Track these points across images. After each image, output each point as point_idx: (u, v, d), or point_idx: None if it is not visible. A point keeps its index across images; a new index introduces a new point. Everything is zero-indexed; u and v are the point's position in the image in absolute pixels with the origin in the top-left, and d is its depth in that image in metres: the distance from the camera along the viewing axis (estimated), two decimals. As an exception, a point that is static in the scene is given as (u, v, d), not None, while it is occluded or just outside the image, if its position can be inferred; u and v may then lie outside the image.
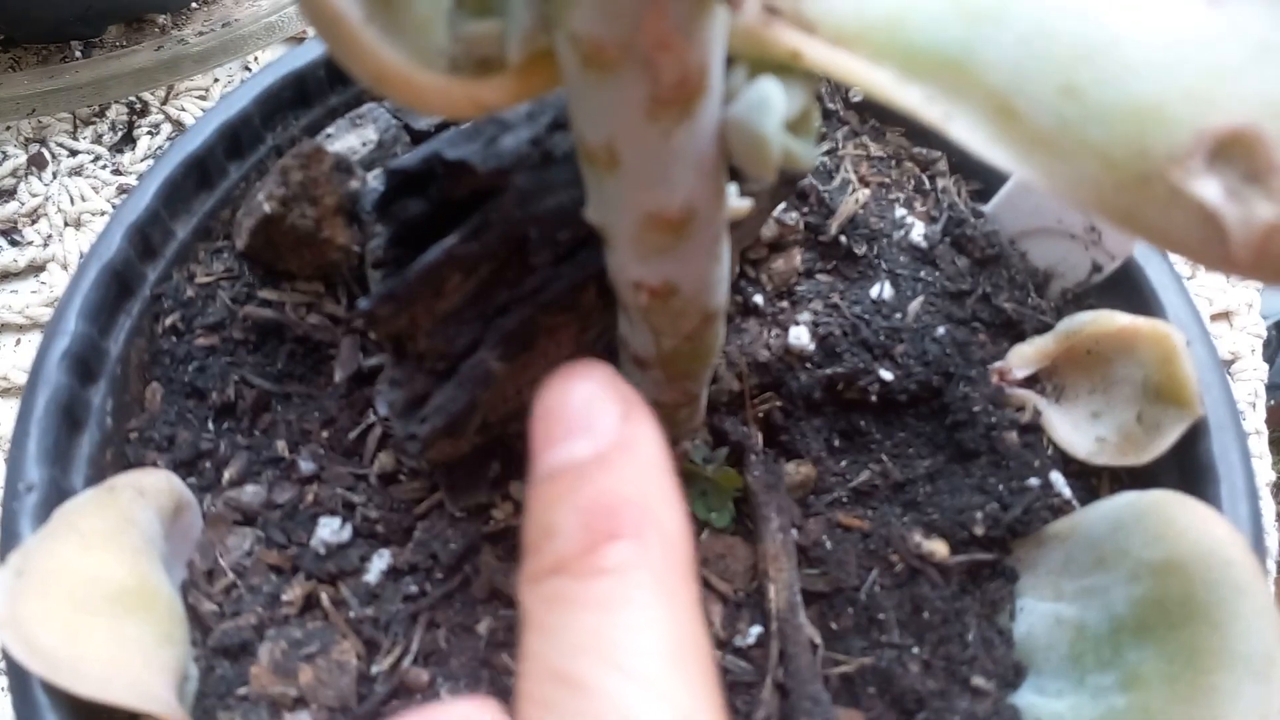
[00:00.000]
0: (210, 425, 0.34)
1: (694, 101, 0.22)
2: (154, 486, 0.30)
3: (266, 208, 0.31)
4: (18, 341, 0.56)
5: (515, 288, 0.29)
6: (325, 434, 0.33)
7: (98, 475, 0.31)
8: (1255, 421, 0.59)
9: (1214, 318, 0.60)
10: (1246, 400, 0.59)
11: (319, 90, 0.37)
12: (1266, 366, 0.61)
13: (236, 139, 0.35)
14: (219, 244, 0.36)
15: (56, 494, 0.29)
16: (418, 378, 0.30)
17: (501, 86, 0.23)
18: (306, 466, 0.33)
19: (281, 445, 0.33)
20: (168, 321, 0.34)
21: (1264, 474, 0.58)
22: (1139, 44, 0.19)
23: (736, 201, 0.29)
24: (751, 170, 0.24)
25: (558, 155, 0.29)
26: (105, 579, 0.27)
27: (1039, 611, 0.33)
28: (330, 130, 0.35)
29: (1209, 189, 0.19)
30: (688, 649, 0.20)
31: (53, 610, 0.26)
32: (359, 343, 0.34)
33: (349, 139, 0.34)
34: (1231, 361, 0.60)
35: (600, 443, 0.22)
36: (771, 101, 0.23)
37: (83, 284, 0.32)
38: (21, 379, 0.53)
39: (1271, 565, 0.57)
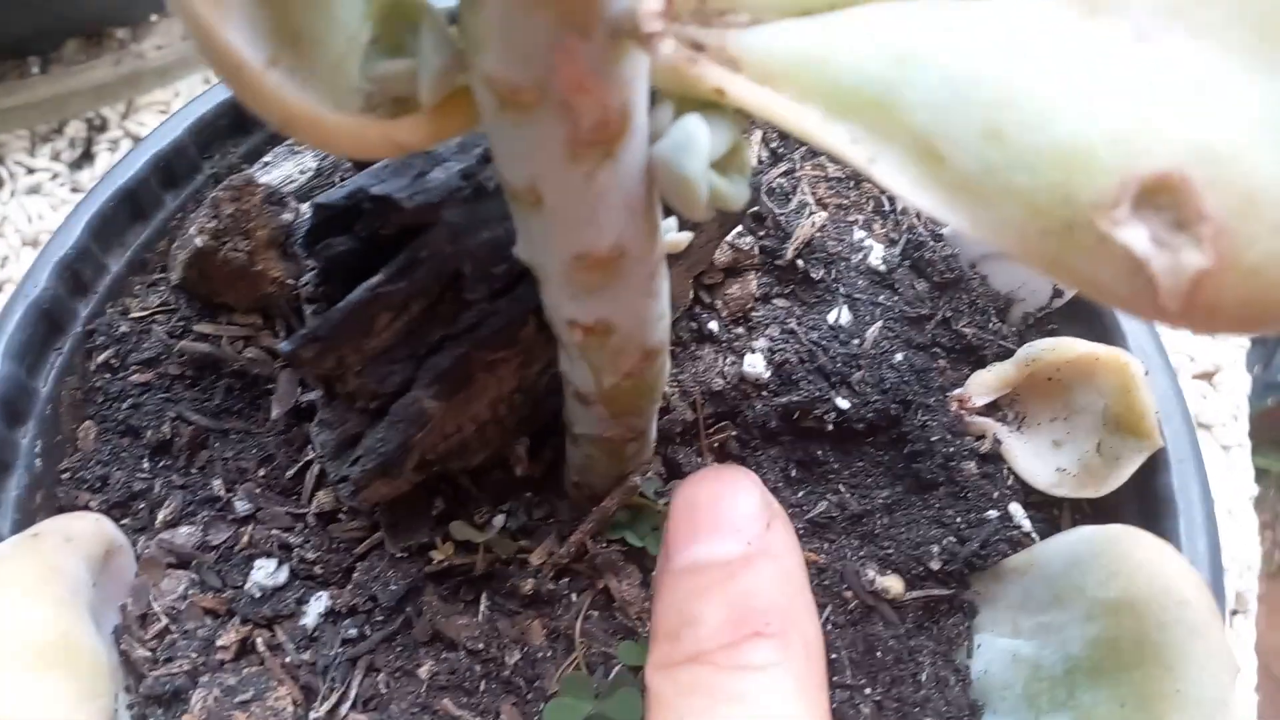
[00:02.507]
0: (145, 464, 0.33)
1: (617, 142, 0.22)
2: (82, 532, 0.29)
3: (198, 241, 0.31)
4: None
5: (450, 325, 0.29)
6: (262, 472, 0.33)
7: (26, 519, 0.30)
8: (1237, 434, 0.58)
9: (1194, 328, 0.59)
10: (1228, 413, 0.58)
11: (257, 117, 0.36)
12: (1249, 377, 0.60)
13: (171, 169, 0.34)
14: (155, 276, 0.35)
15: (-22, 542, 0.28)
16: (349, 418, 0.29)
17: (418, 126, 0.22)
18: (242, 506, 0.32)
19: (218, 484, 0.32)
20: (101, 358, 0.33)
21: (1245, 488, 0.57)
22: (1064, 85, 0.19)
23: (674, 235, 0.29)
24: (680, 210, 0.23)
25: (491, 188, 0.28)
26: (23, 633, 0.26)
27: (997, 648, 0.32)
28: (268, 158, 0.34)
29: (1136, 237, 0.18)
30: None
31: (-35, 667, 0.25)
32: (297, 377, 0.33)
33: (286, 167, 0.33)
34: (1213, 373, 0.59)
35: (748, 545, 0.23)
36: (696, 141, 0.22)
37: (7, 324, 0.31)
38: None
39: (1254, 581, 0.56)
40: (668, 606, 0.23)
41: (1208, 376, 0.58)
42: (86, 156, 0.59)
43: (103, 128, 0.60)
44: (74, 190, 0.58)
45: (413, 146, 0.23)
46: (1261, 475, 0.60)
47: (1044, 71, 0.19)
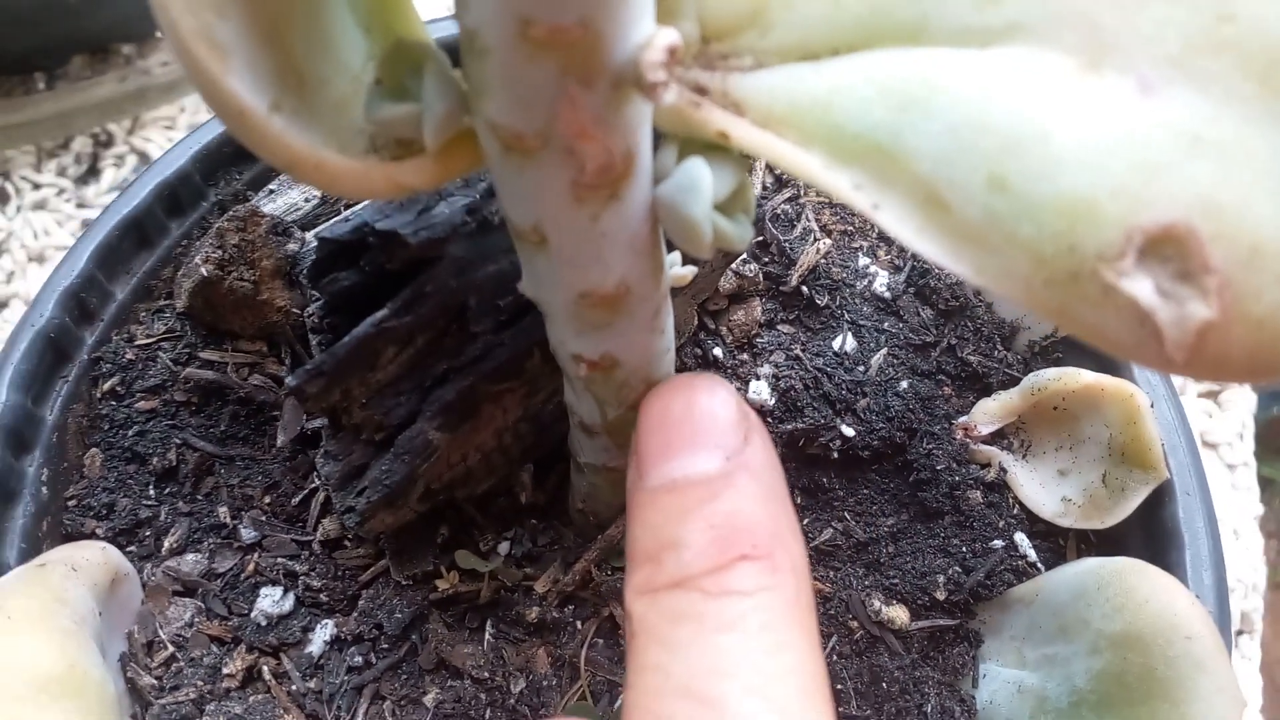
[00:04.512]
0: (151, 491, 0.33)
1: (621, 185, 0.22)
2: (88, 561, 0.29)
3: (204, 271, 0.31)
4: None
5: (455, 357, 0.29)
6: (268, 499, 0.33)
7: (33, 548, 0.30)
8: (1243, 453, 0.58)
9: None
10: (1234, 431, 0.58)
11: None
12: (1255, 397, 0.60)
13: (176, 197, 0.35)
14: (160, 303, 0.35)
15: (-14, 572, 0.29)
16: (355, 449, 0.29)
17: (422, 169, 0.22)
18: (248, 534, 0.32)
19: (224, 511, 0.32)
20: (107, 385, 0.33)
21: (1251, 508, 0.57)
22: (1068, 136, 0.18)
23: (679, 270, 0.29)
24: (685, 249, 0.23)
25: (495, 222, 0.28)
26: (31, 665, 0.26)
27: (1002, 678, 0.32)
28: (272, 186, 0.34)
29: (1141, 288, 0.18)
30: (818, 680, 0.20)
31: (-27, 700, 0.25)
32: (297, 402, 0.33)
33: (291, 195, 0.33)
34: (1219, 392, 0.59)
35: (727, 460, 0.22)
36: (700, 184, 0.22)
37: (13, 354, 0.31)
38: None
39: (1259, 601, 0.56)
40: (645, 527, 0.22)
41: (1213, 395, 0.58)
42: (92, 172, 0.60)
43: (109, 143, 0.60)
44: (80, 206, 0.59)
45: (417, 188, 0.23)
46: (1268, 485, 0.59)
47: (1048, 123, 0.19)
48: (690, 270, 0.28)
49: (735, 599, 0.20)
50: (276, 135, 0.20)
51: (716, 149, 0.22)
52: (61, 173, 0.60)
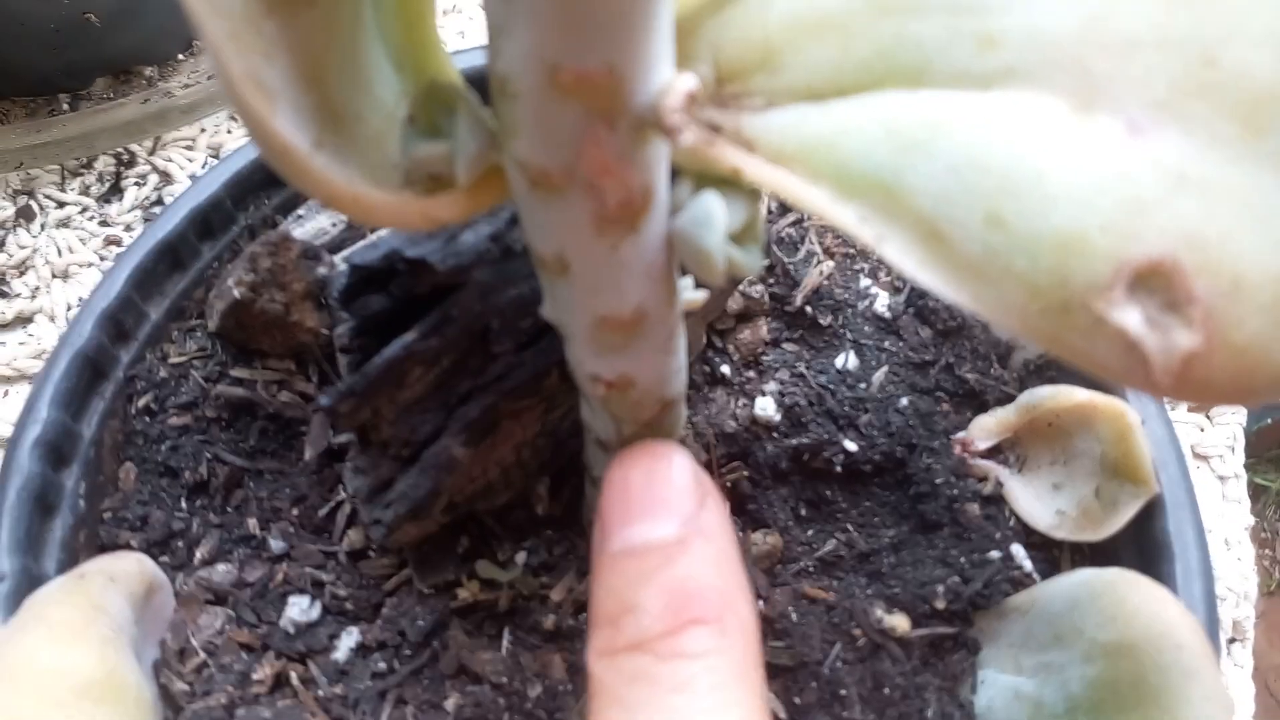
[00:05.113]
0: (183, 504, 0.34)
1: (639, 218, 0.23)
2: (125, 571, 0.31)
3: (236, 293, 0.32)
4: (4, 393, 0.56)
5: (478, 376, 0.30)
6: (295, 511, 0.34)
7: (70, 559, 0.32)
8: (1234, 465, 0.59)
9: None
10: (1225, 444, 0.59)
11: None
12: (1245, 411, 0.61)
13: (208, 222, 0.36)
14: (192, 323, 0.36)
15: (28, 581, 0.30)
16: (382, 464, 0.30)
17: (453, 203, 0.24)
18: (277, 545, 0.33)
19: (253, 523, 0.34)
20: (141, 402, 0.35)
21: (1241, 519, 0.58)
22: (1061, 175, 0.20)
23: (690, 294, 0.30)
24: (699, 276, 0.24)
25: (518, 249, 0.29)
26: (73, 671, 0.27)
27: (999, 684, 0.33)
28: (301, 211, 0.35)
29: (1130, 318, 0.19)
30: None
31: (20, 704, 0.26)
32: (328, 420, 0.35)
33: (319, 220, 0.35)
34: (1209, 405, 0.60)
35: (683, 526, 0.23)
36: (714, 217, 0.23)
37: (54, 373, 0.32)
38: (7, 430, 0.54)
39: (1250, 610, 0.57)
40: (607, 592, 0.23)
41: (1204, 409, 0.59)
42: (115, 190, 0.61)
43: (131, 163, 0.62)
44: (102, 224, 0.60)
45: (448, 221, 0.24)
46: (1261, 492, 0.60)
47: (1042, 162, 0.20)
48: (702, 295, 0.29)
49: (687, 661, 0.21)
50: (319, 172, 0.22)
51: (729, 183, 0.24)
52: (85, 191, 0.61)
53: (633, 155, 0.21)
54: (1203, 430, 0.59)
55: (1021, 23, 0.21)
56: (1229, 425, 0.59)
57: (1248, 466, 0.60)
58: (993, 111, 0.21)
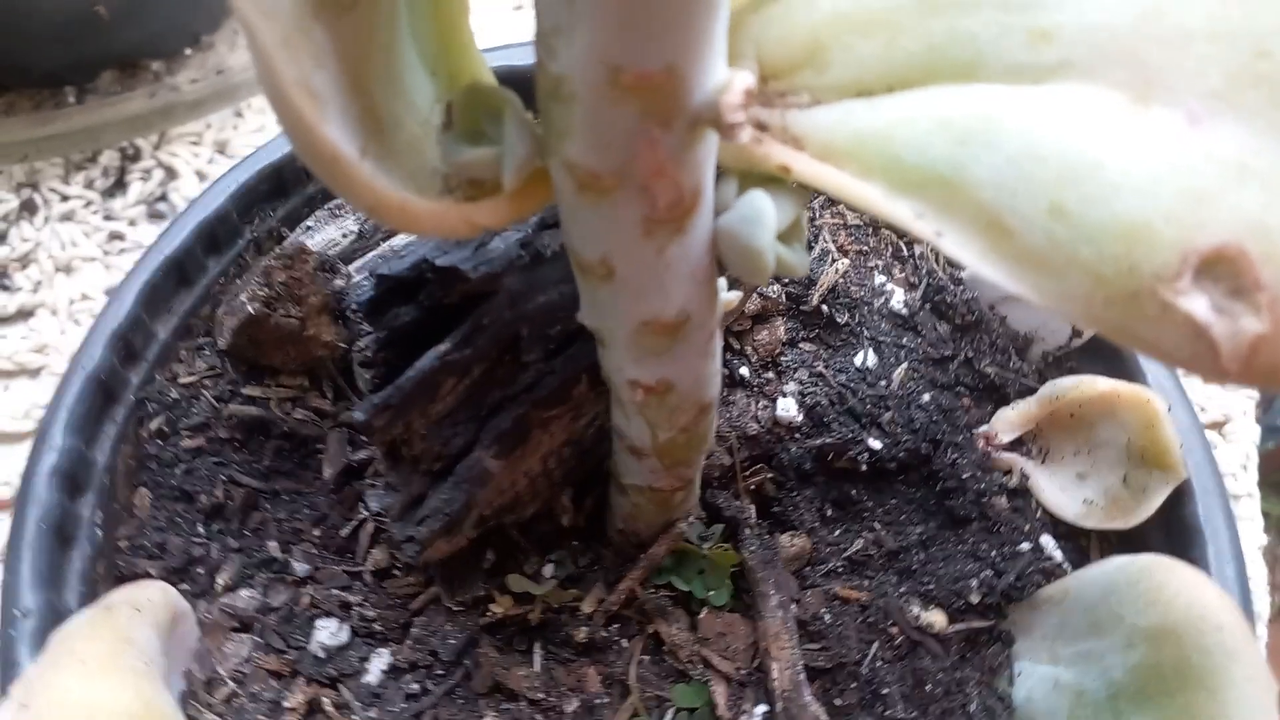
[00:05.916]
0: (200, 528, 0.33)
1: (688, 219, 0.23)
2: (150, 601, 0.30)
3: (250, 308, 0.31)
4: (5, 387, 0.55)
5: (508, 386, 0.29)
6: (317, 532, 0.33)
7: (90, 592, 0.31)
8: (1247, 484, 0.58)
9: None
10: (1238, 463, 0.58)
11: (296, 180, 0.37)
12: (1258, 429, 0.60)
13: (214, 236, 0.35)
14: (200, 341, 0.35)
15: (52, 616, 0.29)
16: (414, 480, 0.30)
17: (496, 208, 0.23)
18: (300, 567, 0.32)
19: (274, 546, 0.33)
20: (153, 425, 0.34)
21: (1255, 538, 0.57)
22: (1122, 166, 0.20)
23: (726, 296, 0.30)
24: (745, 278, 0.24)
25: (547, 255, 0.29)
26: (108, 705, 0.26)
27: (1037, 675, 0.33)
28: (310, 222, 0.35)
29: (1197, 305, 0.19)
30: None
31: (54, 743, 0.25)
32: (346, 436, 0.34)
33: (329, 230, 0.34)
34: (1223, 423, 0.59)
35: None
36: (764, 215, 0.23)
37: (67, 396, 0.31)
38: (8, 425, 0.52)
39: (1262, 629, 0.57)
40: None
41: (1218, 426, 0.59)
42: (119, 185, 0.60)
43: (136, 157, 0.61)
44: (107, 218, 0.59)
45: (490, 227, 0.24)
46: (1263, 519, 0.60)
47: (1102, 153, 0.20)
48: (737, 295, 0.29)
49: None
50: (366, 180, 0.21)
51: (774, 181, 0.24)
52: (89, 185, 0.59)
53: (686, 155, 0.21)
54: (1215, 448, 0.58)
55: (1074, 18, 0.21)
56: (1242, 444, 0.58)
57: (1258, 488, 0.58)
58: (1049, 104, 0.21)
